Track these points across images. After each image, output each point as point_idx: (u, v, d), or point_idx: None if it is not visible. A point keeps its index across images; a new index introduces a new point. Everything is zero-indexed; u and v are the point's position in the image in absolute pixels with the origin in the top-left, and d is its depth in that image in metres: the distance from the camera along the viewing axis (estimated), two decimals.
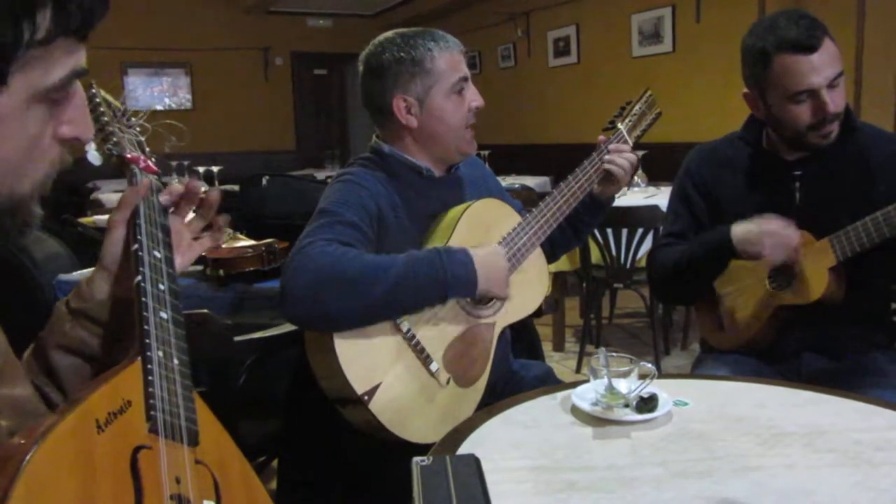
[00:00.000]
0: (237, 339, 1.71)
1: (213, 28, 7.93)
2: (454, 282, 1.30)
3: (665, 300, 3.28)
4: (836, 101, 1.44)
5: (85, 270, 2.16)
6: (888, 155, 1.53)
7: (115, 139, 0.86)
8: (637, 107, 1.64)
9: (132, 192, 0.82)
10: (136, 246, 0.80)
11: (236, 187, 2.40)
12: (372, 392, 1.27)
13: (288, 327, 1.65)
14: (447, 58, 1.44)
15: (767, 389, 1.26)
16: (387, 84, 1.44)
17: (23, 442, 0.57)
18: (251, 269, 1.92)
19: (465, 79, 1.46)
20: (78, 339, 0.83)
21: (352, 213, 1.35)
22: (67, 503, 0.57)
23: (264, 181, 2.23)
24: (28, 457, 0.55)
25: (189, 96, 8.22)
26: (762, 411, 1.15)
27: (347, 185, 1.42)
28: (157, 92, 8.09)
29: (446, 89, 1.44)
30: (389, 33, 1.47)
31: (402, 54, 1.42)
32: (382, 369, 1.30)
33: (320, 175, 5.48)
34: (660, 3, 5.56)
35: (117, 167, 0.87)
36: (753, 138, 1.62)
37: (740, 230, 1.49)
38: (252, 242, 2.01)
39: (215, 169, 3.61)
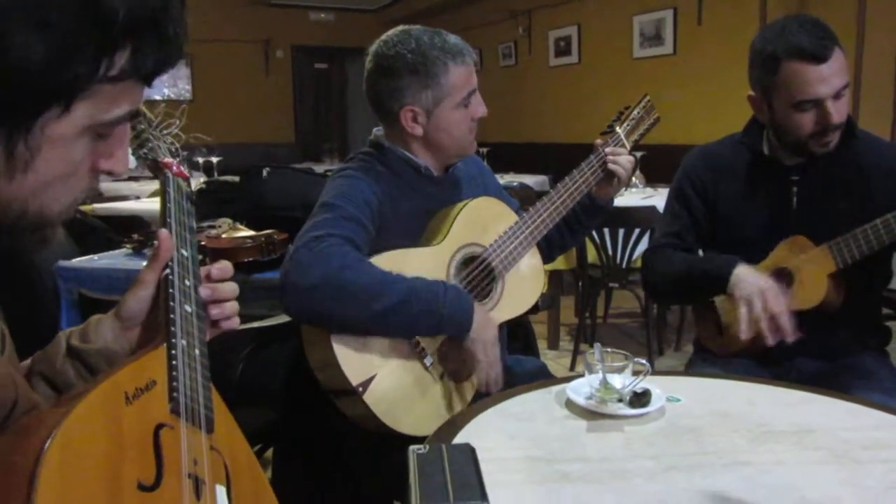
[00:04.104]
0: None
1: (214, 19, 7.91)
2: (449, 321, 1.32)
3: (659, 301, 3.31)
4: (839, 112, 1.45)
5: (84, 258, 2.16)
6: (887, 164, 1.55)
7: (150, 145, 0.92)
8: (635, 112, 1.65)
9: (162, 252, 0.83)
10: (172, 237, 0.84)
11: (237, 178, 2.41)
12: (366, 384, 1.29)
13: (285, 318, 1.66)
14: (461, 72, 1.42)
15: (759, 388, 1.28)
16: (396, 90, 1.42)
17: (59, 406, 0.61)
18: (250, 259, 1.93)
19: (473, 91, 1.46)
20: (65, 378, 0.83)
21: (354, 207, 1.36)
22: (97, 464, 0.60)
23: (265, 173, 2.23)
24: (64, 418, 0.58)
25: (189, 87, 8.21)
26: (753, 409, 1.16)
27: (349, 181, 1.43)
28: (155, 82, 8.06)
29: (455, 103, 1.43)
30: (402, 32, 1.45)
31: (416, 64, 1.40)
32: (377, 362, 1.31)
33: (319, 169, 5.49)
34: (661, 5, 5.57)
35: (151, 170, 0.92)
36: (753, 142, 1.63)
37: (740, 274, 1.47)
38: (252, 233, 2.02)
39: (215, 160, 3.63)
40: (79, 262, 2.12)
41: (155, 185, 4.46)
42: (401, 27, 1.47)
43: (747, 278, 1.47)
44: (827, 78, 1.42)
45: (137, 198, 4.13)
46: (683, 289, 1.64)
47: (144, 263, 0.85)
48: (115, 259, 2.17)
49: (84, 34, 0.57)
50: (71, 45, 0.56)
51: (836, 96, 1.44)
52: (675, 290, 1.68)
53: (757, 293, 1.43)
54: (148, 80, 0.64)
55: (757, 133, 1.63)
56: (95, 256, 2.18)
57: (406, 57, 1.40)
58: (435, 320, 1.31)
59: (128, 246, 2.24)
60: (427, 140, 1.47)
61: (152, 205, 3.61)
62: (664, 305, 3.61)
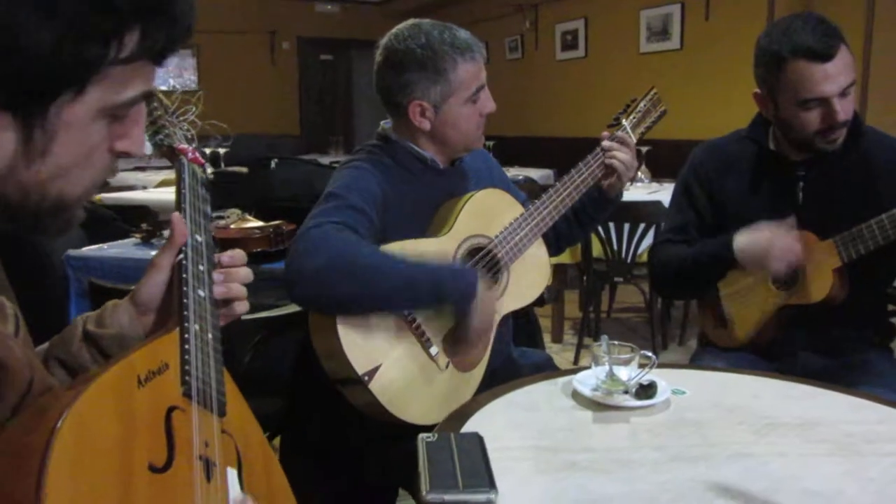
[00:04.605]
0: (243, 317, 1.74)
1: (220, 10, 7.91)
2: (454, 293, 1.31)
3: (665, 296, 3.32)
4: (845, 110, 1.45)
5: (93, 247, 2.18)
6: (893, 160, 1.55)
7: (166, 131, 0.93)
8: (642, 104, 1.66)
9: (176, 236, 0.84)
10: (185, 221, 0.85)
11: (244, 169, 2.42)
12: (372, 373, 1.30)
13: (293, 308, 1.68)
14: (469, 67, 1.43)
15: (763, 382, 1.29)
16: (405, 84, 1.43)
17: (72, 388, 0.61)
18: (258, 250, 1.94)
19: (482, 87, 1.47)
20: (80, 362, 0.84)
21: (359, 198, 1.37)
22: (108, 445, 0.60)
23: (273, 164, 2.25)
24: (76, 399, 0.58)
25: (194, 77, 8.21)
26: (757, 402, 1.18)
27: (355, 171, 1.44)
28: (161, 72, 8.04)
29: (463, 98, 1.44)
30: (412, 26, 1.45)
31: (425, 59, 1.41)
32: (383, 351, 1.33)
33: (324, 160, 5.51)
34: (669, 0, 5.56)
35: (167, 157, 0.93)
36: (759, 137, 1.63)
37: (743, 243, 1.48)
38: (260, 224, 2.04)
39: (222, 151, 3.64)
40: (88, 250, 2.14)
41: (162, 175, 4.49)
42: (411, 21, 1.47)
43: (751, 242, 1.47)
44: (832, 76, 1.42)
45: (145, 188, 4.15)
46: (691, 278, 1.65)
47: (153, 253, 0.86)
48: (125, 248, 2.19)
49: (92, 17, 0.57)
50: (80, 29, 0.57)
51: (842, 94, 1.44)
52: (682, 281, 1.69)
53: (766, 250, 1.44)
54: (159, 60, 0.64)
55: (763, 128, 1.63)
56: (105, 245, 2.20)
57: (415, 51, 1.41)
58: (441, 292, 1.31)
59: (137, 236, 2.27)
60: (434, 134, 1.48)
61: (160, 195, 3.63)
62: (671, 300, 3.61)
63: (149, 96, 0.67)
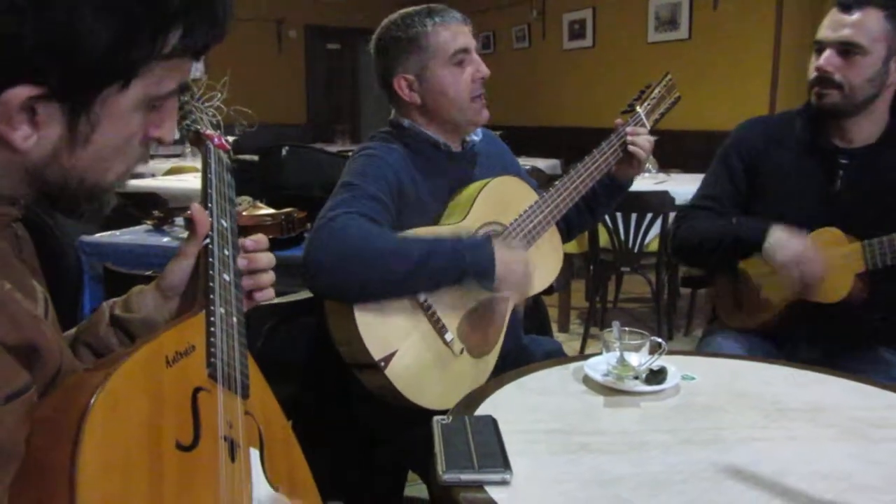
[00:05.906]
0: None
1: None
2: (472, 269, 1.32)
3: (682, 263, 3.29)
4: (832, 63, 1.48)
5: (106, 233, 2.20)
6: None
7: (192, 117, 0.95)
8: (657, 90, 1.66)
9: (198, 227, 0.85)
10: (206, 212, 0.87)
11: (255, 157, 2.44)
12: (388, 358, 1.32)
13: (305, 294, 1.69)
14: (442, 31, 1.46)
15: (773, 368, 1.30)
16: (388, 64, 1.49)
17: (100, 368, 0.64)
18: (270, 237, 1.95)
19: (464, 50, 1.47)
20: (108, 346, 0.86)
21: (374, 186, 1.38)
22: (138, 423, 0.63)
23: (283, 152, 2.26)
24: (108, 378, 0.61)
25: (200, 65, 8.18)
26: (767, 388, 1.19)
27: (369, 159, 1.46)
28: None
29: (443, 62, 1.46)
30: (394, 14, 1.52)
31: (399, 34, 1.47)
32: (399, 337, 1.34)
33: (331, 150, 5.50)
34: None
35: (193, 142, 0.95)
36: (809, 119, 1.63)
37: (778, 239, 1.48)
38: (271, 211, 2.05)
39: (230, 139, 3.65)
40: (101, 236, 2.16)
41: (170, 163, 4.50)
42: (395, 13, 1.52)
43: (785, 242, 1.47)
44: (838, 26, 1.46)
45: (153, 175, 4.17)
46: (712, 250, 1.65)
47: (165, 239, 0.88)
48: (137, 235, 2.21)
49: (143, 17, 0.61)
50: (132, 27, 0.61)
51: (841, 50, 1.46)
52: (702, 252, 1.69)
53: (795, 260, 1.45)
54: (196, 56, 0.69)
55: (814, 110, 1.62)
56: (117, 232, 2.22)
57: (391, 31, 1.48)
58: (458, 270, 1.32)
59: (149, 222, 2.28)
60: (427, 107, 1.49)
61: (168, 182, 3.66)
62: (686, 265, 3.57)
63: (185, 88, 0.71)
